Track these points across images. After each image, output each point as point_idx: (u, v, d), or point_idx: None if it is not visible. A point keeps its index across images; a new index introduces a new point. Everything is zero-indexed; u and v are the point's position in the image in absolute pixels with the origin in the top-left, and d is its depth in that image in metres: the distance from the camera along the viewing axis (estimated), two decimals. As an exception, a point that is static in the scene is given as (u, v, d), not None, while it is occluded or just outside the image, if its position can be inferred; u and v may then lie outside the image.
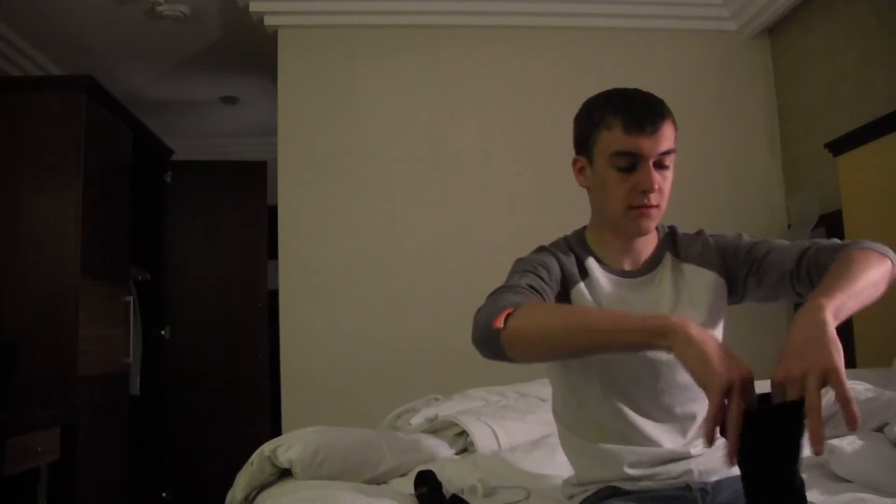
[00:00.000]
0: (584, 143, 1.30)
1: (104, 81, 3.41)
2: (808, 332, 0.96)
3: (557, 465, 1.67)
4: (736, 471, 1.24)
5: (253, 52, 4.08)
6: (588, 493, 1.29)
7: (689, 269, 1.32)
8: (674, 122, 1.26)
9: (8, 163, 3.13)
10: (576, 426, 1.33)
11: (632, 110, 1.22)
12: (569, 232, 1.41)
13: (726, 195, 3.64)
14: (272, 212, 3.73)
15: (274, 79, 3.74)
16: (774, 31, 3.74)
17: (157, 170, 4.25)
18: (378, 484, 1.71)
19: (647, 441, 1.25)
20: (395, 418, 2.30)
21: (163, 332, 4.14)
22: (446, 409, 2.18)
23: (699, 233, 1.38)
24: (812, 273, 1.20)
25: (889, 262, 1.15)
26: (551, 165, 3.62)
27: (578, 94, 4.22)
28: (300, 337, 3.43)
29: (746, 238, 1.35)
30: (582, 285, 1.29)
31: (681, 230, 1.40)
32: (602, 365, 1.25)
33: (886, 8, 2.95)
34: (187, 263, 4.29)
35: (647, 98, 1.26)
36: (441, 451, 1.92)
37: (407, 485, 1.66)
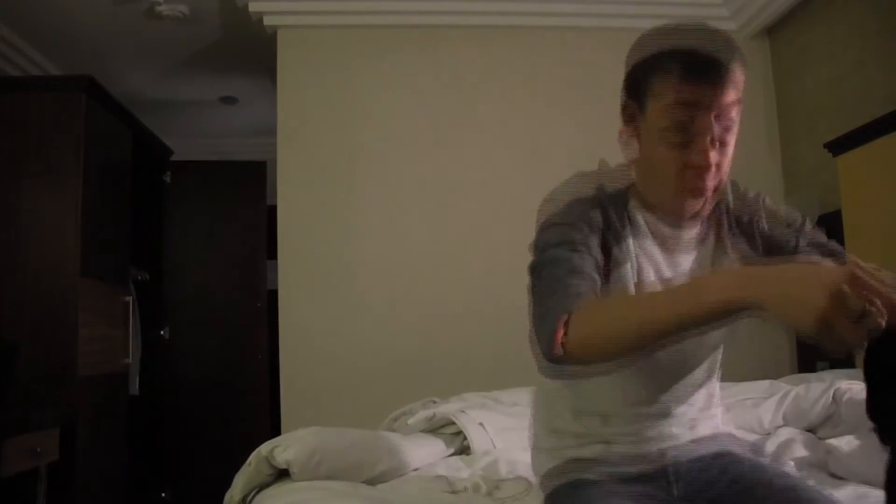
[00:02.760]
0: (634, 106, 1.15)
1: (104, 81, 3.41)
2: None
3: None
4: (706, 449, 1.24)
5: (252, 52, 4.08)
6: (562, 459, 1.26)
7: (735, 244, 1.22)
8: (742, 65, 1.09)
9: (8, 163, 3.12)
10: (566, 404, 1.29)
11: (691, 60, 1.07)
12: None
13: (726, 195, 3.64)
14: (272, 212, 3.73)
15: (274, 79, 3.74)
16: (774, 30, 3.73)
17: (156, 170, 4.25)
18: (376, 484, 1.71)
19: (632, 414, 1.23)
20: (393, 421, 2.30)
21: (162, 333, 4.14)
22: (444, 410, 2.18)
23: (756, 199, 1.27)
24: None
25: None
26: (552, 165, 3.62)
27: (578, 94, 4.23)
28: (300, 337, 3.43)
29: (807, 233, 1.24)
30: (630, 242, 1.15)
31: (731, 183, 1.27)
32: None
33: (886, 8, 2.95)
34: (187, 263, 4.30)
35: (718, 34, 1.09)
36: (439, 452, 1.92)
37: (405, 485, 1.67)
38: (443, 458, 1.94)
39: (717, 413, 1.33)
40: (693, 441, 1.25)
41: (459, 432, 2.00)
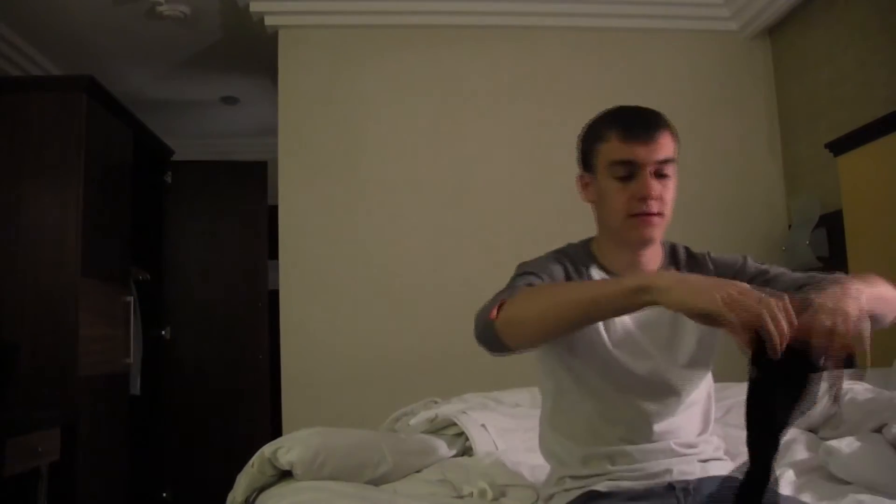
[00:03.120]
0: (586, 159, 1.34)
1: (104, 81, 3.41)
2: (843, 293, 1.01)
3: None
4: (714, 470, 1.27)
5: (253, 53, 4.08)
6: (570, 496, 1.30)
7: None
8: (673, 132, 1.29)
9: (8, 163, 3.12)
10: (565, 430, 1.35)
11: (627, 121, 1.28)
12: (574, 239, 1.42)
13: (727, 195, 3.64)
14: (272, 212, 3.73)
15: (274, 79, 3.74)
16: (775, 31, 3.73)
17: (157, 170, 4.25)
18: (378, 485, 1.71)
19: (636, 451, 1.29)
20: (394, 421, 2.30)
21: (163, 332, 4.14)
22: (446, 410, 2.18)
23: (704, 256, 1.39)
24: None
25: None
26: (552, 165, 3.63)
27: (579, 93, 4.23)
28: (300, 337, 3.43)
29: (751, 262, 1.36)
30: None
31: (684, 248, 1.41)
32: (597, 395, 1.30)
33: (886, 8, 2.95)
34: (187, 263, 4.29)
35: (643, 109, 1.30)
36: (441, 452, 1.92)
37: (409, 488, 1.67)
38: (445, 459, 1.93)
39: (714, 439, 1.38)
40: (701, 461, 1.30)
41: (461, 433, 2.00)
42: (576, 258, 1.35)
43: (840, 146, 2.96)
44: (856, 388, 1.98)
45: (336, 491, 1.52)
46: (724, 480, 1.26)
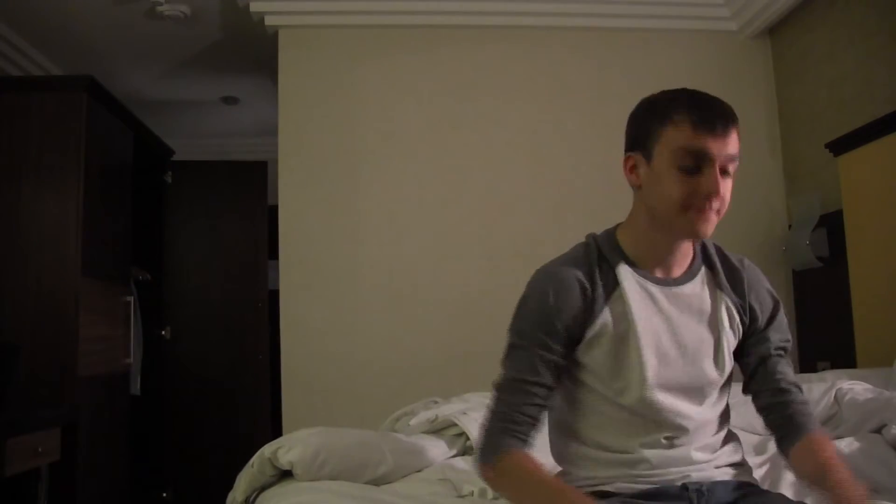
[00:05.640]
0: (642, 139, 1.22)
1: (104, 81, 3.41)
2: None
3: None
4: (728, 475, 1.25)
5: (253, 53, 4.08)
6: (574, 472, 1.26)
7: (725, 301, 1.28)
8: (739, 130, 1.22)
9: (8, 163, 3.13)
10: (579, 436, 1.29)
11: (703, 109, 1.18)
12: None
13: (726, 195, 3.64)
14: (272, 212, 3.73)
15: (274, 79, 3.74)
16: (775, 31, 3.73)
17: (157, 170, 4.25)
18: (379, 485, 1.71)
19: (655, 456, 1.23)
20: (394, 421, 2.30)
21: (163, 332, 4.14)
22: (446, 410, 2.18)
23: (740, 261, 1.34)
24: (765, 396, 1.30)
25: None
26: (551, 165, 3.63)
27: (579, 93, 4.21)
28: (300, 337, 3.43)
29: (782, 315, 1.33)
30: (606, 312, 1.22)
31: (715, 248, 1.35)
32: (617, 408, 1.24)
33: (887, 8, 2.95)
34: (187, 263, 4.30)
35: (718, 100, 1.21)
36: (441, 453, 1.92)
37: (410, 488, 1.67)
38: (445, 459, 1.93)
39: (733, 438, 1.34)
40: (717, 468, 1.26)
41: (462, 433, 2.00)
42: (601, 254, 1.26)
43: (840, 146, 2.96)
44: (856, 389, 1.98)
45: (336, 491, 1.52)
46: (736, 487, 1.23)
